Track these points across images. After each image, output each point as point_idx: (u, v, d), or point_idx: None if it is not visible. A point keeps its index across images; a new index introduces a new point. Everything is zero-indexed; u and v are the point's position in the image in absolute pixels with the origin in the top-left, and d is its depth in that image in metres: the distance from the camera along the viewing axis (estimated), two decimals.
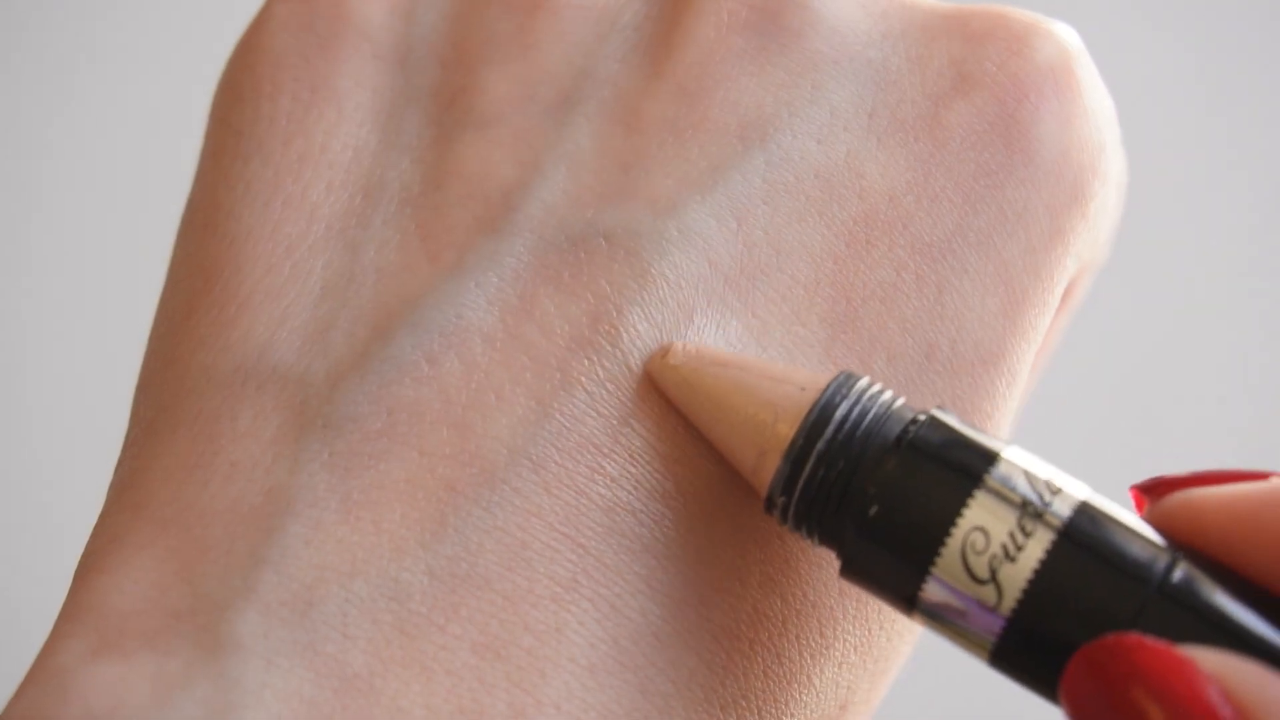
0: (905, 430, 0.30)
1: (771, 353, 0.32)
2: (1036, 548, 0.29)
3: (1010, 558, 0.29)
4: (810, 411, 0.30)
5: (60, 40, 0.91)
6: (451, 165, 0.33)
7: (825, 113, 0.34)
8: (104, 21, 0.91)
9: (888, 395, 0.30)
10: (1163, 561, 0.28)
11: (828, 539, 0.30)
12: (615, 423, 0.31)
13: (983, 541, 0.29)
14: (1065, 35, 0.35)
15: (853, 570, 0.30)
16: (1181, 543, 0.29)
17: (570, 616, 0.30)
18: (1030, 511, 0.29)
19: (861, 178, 0.33)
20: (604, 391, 0.31)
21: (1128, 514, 0.29)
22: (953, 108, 0.34)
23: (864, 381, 0.30)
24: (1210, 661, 0.28)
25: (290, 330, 0.32)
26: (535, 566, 0.30)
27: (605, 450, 0.31)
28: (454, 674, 0.29)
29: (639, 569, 0.31)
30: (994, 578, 0.29)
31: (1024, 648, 0.29)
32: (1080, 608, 0.28)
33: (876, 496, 0.29)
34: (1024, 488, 0.29)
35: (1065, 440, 0.86)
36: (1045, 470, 0.29)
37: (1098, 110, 0.34)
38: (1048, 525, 0.29)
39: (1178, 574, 0.28)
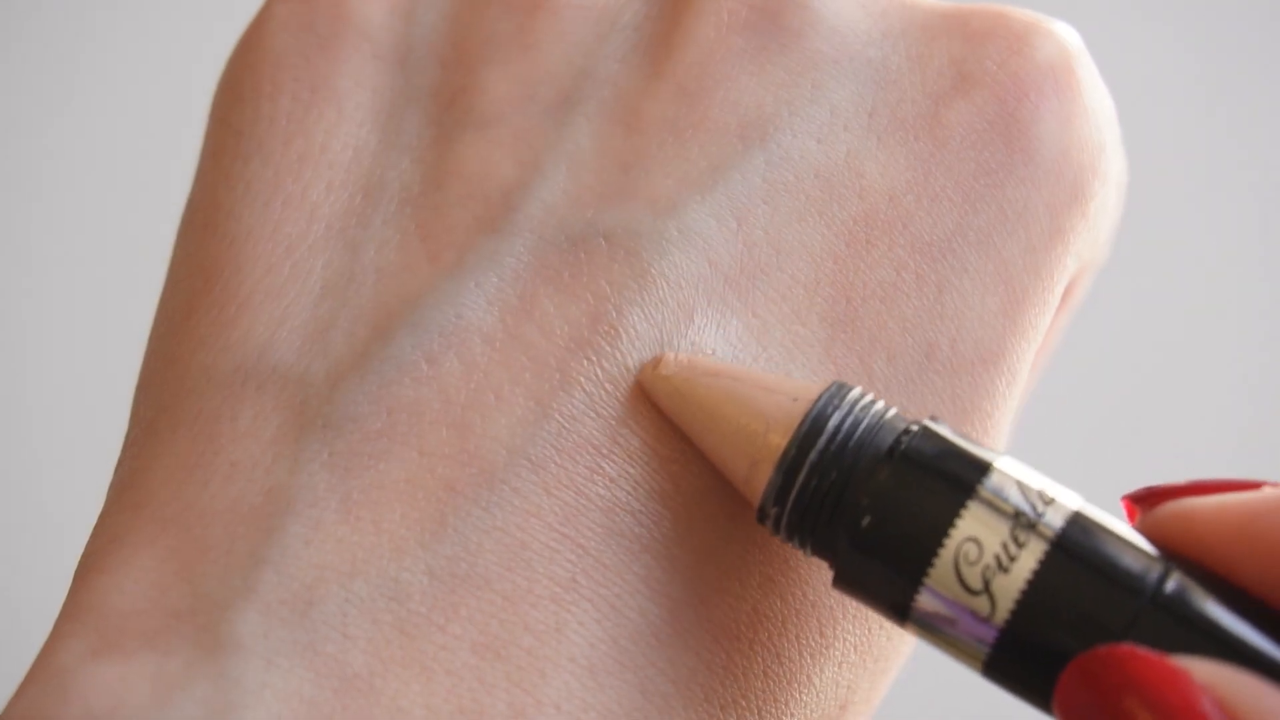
0: (898, 440, 0.30)
1: (771, 352, 0.32)
2: (1029, 558, 0.29)
3: (1003, 568, 0.29)
4: (802, 422, 0.30)
5: (60, 40, 0.91)
6: (451, 165, 0.33)
7: (825, 112, 0.34)
8: (104, 21, 0.91)
9: (880, 405, 0.30)
10: (1155, 572, 0.28)
11: (820, 550, 0.30)
12: (614, 423, 0.31)
13: (976, 552, 0.29)
14: (1065, 35, 0.35)
15: (845, 581, 0.30)
16: (1174, 553, 0.29)
17: (570, 616, 0.30)
18: (1023, 522, 0.29)
19: (861, 177, 0.33)
20: (603, 392, 0.31)
21: (1121, 524, 0.29)
22: (953, 107, 0.34)
23: (856, 391, 0.30)
24: (1204, 672, 0.27)
25: (290, 330, 0.32)
26: (535, 566, 0.30)
27: (604, 451, 0.31)
28: (454, 674, 0.29)
29: (638, 569, 0.31)
30: (987, 588, 0.29)
31: (1017, 658, 0.29)
32: (1073, 618, 0.28)
33: (869, 507, 0.29)
34: (1017, 498, 0.29)
35: (1065, 440, 0.86)
36: (1038, 481, 0.29)
37: (1098, 110, 0.34)
38: (1040, 536, 0.29)
39: (1171, 584, 0.28)
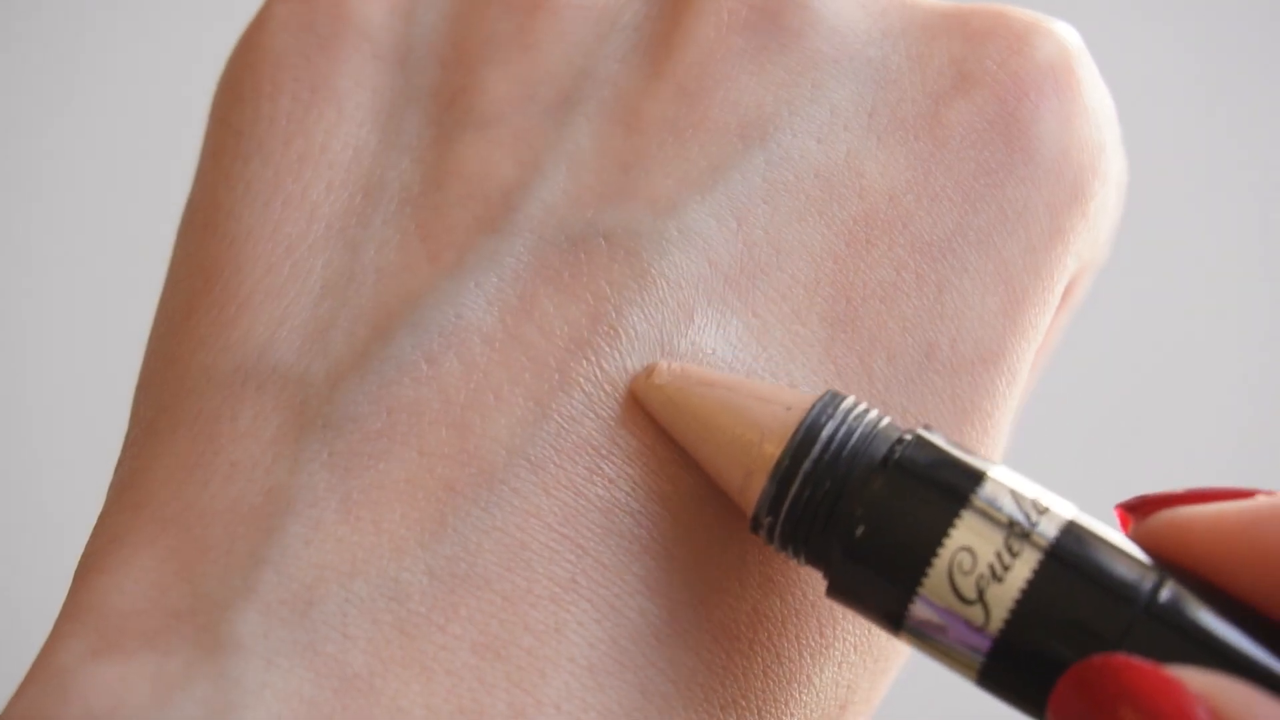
0: (891, 450, 0.30)
1: (771, 352, 0.32)
2: (1023, 568, 0.29)
3: (997, 578, 0.29)
4: (796, 432, 0.30)
5: (60, 40, 0.91)
6: (451, 165, 0.33)
7: (825, 112, 0.34)
8: (104, 21, 0.91)
9: (874, 414, 0.30)
10: (1149, 581, 0.28)
11: (814, 559, 0.30)
12: (613, 424, 0.31)
13: (970, 562, 0.29)
14: (1065, 34, 0.35)
15: (839, 590, 0.30)
16: (1168, 561, 0.29)
17: (569, 616, 0.30)
18: (1017, 531, 0.29)
19: (861, 177, 0.33)
20: (602, 393, 0.31)
21: (1115, 533, 0.29)
22: (953, 106, 0.34)
23: (850, 401, 0.30)
24: (1198, 681, 0.27)
25: (290, 330, 0.32)
26: (534, 567, 0.30)
27: (603, 451, 0.31)
28: (454, 674, 0.29)
29: (638, 569, 0.31)
30: (981, 598, 0.29)
31: (1011, 668, 0.29)
32: (1068, 628, 0.28)
33: (863, 517, 0.29)
34: (1010, 508, 0.29)
35: (1065, 440, 0.86)
36: (1032, 490, 0.29)
37: (1098, 109, 0.34)
38: (1034, 545, 0.29)
39: (1165, 593, 0.28)
